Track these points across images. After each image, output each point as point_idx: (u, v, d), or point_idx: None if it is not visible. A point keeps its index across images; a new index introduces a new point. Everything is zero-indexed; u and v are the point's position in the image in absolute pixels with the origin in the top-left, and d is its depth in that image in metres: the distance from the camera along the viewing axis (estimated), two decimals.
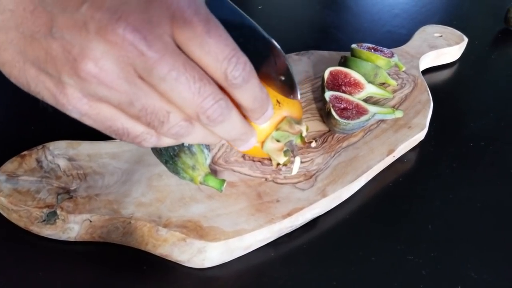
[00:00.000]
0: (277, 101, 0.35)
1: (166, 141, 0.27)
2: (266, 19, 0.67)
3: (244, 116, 0.28)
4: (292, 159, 0.37)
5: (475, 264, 0.35)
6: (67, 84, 0.23)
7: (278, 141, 0.35)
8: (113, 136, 0.26)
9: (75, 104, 0.24)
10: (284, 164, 0.37)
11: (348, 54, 0.50)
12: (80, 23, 0.22)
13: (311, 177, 0.38)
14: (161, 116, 0.24)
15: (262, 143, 0.35)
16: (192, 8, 0.23)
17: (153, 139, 0.26)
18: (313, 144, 0.39)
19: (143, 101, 0.23)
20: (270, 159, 0.39)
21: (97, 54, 0.22)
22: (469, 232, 0.37)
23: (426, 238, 0.37)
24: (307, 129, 0.36)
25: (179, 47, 0.23)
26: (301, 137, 0.37)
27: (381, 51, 0.50)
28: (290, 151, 0.36)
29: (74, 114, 0.25)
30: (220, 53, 0.23)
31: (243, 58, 0.24)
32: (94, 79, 0.22)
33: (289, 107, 0.35)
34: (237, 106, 0.27)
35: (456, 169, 0.43)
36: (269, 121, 0.33)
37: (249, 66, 0.25)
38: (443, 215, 0.39)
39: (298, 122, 0.36)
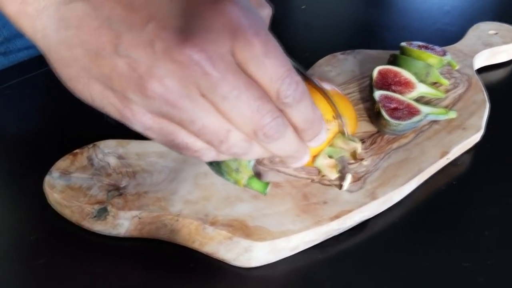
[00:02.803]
0: (333, 116, 0.35)
1: (224, 157, 0.27)
2: (309, 19, 0.66)
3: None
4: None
5: None
6: (132, 101, 0.24)
7: (330, 156, 0.35)
8: (174, 150, 0.26)
9: (139, 118, 0.25)
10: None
11: (396, 52, 0.49)
12: (146, 42, 0.22)
13: (359, 179, 0.37)
14: (221, 135, 0.25)
15: (314, 157, 0.35)
16: (253, 29, 0.23)
17: (212, 154, 0.27)
18: (365, 162, 0.37)
19: (204, 120, 0.24)
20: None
21: (162, 73, 0.22)
22: None
23: (483, 244, 0.35)
24: (361, 147, 0.36)
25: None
26: (353, 153, 0.36)
27: (432, 49, 0.48)
28: (342, 167, 0.35)
29: (138, 128, 0.25)
30: (274, 74, 0.24)
31: (296, 78, 0.24)
32: (158, 97, 0.23)
33: (345, 124, 0.35)
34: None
35: None
36: None
37: (301, 87, 0.25)
38: (501, 221, 0.36)
39: (353, 137, 0.35)
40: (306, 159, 0.29)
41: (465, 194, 0.39)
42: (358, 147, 0.35)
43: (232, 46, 0.23)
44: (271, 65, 0.23)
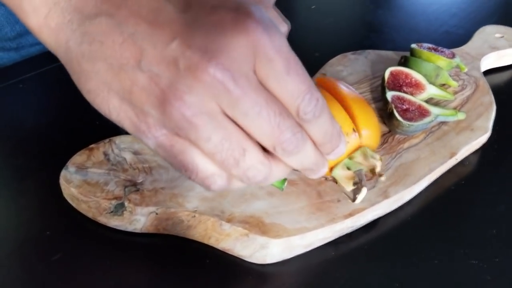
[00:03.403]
0: (353, 129, 0.35)
1: (236, 185, 0.27)
2: (319, 18, 0.66)
3: None
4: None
5: None
6: (149, 114, 0.24)
7: (348, 168, 0.36)
8: (182, 173, 0.26)
9: (154, 133, 0.24)
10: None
11: (405, 54, 0.50)
12: (169, 58, 0.22)
13: (372, 178, 0.38)
14: (237, 154, 0.24)
15: (332, 168, 0.36)
16: (275, 47, 0.23)
17: (223, 181, 0.26)
18: (383, 178, 0.37)
19: (221, 135, 0.24)
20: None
21: (184, 89, 0.22)
22: None
23: (491, 242, 0.36)
24: (381, 165, 0.36)
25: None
26: (372, 169, 0.37)
27: (441, 51, 0.48)
28: (359, 180, 0.36)
29: (151, 143, 0.25)
30: (295, 90, 0.24)
31: (317, 95, 0.25)
32: (177, 113, 0.23)
33: (365, 137, 0.36)
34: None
35: None
36: None
37: (321, 102, 0.25)
38: (508, 220, 0.37)
39: (374, 154, 0.36)
40: (324, 171, 0.29)
41: (473, 194, 0.40)
42: (378, 165, 0.36)
43: (254, 63, 0.23)
44: (292, 82, 0.24)
